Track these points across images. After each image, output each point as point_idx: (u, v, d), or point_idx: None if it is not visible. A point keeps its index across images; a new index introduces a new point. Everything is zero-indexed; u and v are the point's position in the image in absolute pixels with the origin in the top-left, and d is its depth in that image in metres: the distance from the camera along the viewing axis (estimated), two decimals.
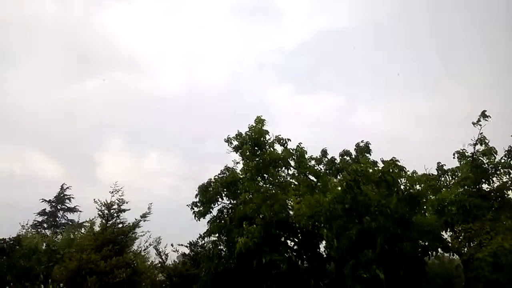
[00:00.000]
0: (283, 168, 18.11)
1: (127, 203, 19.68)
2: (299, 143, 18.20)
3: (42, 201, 36.75)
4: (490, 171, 15.84)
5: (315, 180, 17.85)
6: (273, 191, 17.09)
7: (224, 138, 18.94)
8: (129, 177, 69.61)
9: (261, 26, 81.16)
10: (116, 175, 79.11)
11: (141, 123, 68.44)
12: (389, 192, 13.91)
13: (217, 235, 18.61)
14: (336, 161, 19.75)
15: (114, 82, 68.91)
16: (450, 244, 15.62)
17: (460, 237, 15.44)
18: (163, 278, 21.61)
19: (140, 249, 20.41)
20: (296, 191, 16.96)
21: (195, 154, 64.55)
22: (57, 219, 36.97)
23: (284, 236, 17.46)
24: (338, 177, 18.48)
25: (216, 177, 19.11)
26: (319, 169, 19.00)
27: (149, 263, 21.44)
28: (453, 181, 17.08)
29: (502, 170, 15.75)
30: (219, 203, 19.02)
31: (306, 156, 18.33)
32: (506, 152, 15.86)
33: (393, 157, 14.40)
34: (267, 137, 18.41)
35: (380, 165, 15.33)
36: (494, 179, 15.91)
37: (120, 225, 19.73)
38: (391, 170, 13.85)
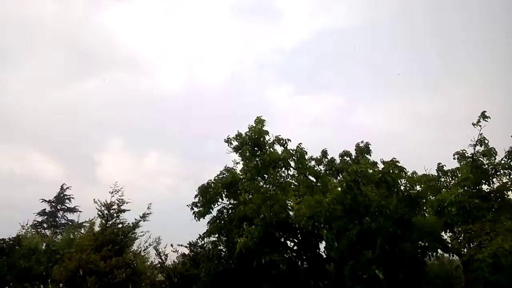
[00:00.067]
0: (283, 168, 18.10)
1: (127, 203, 19.68)
2: (299, 144, 18.21)
3: (42, 201, 36.82)
4: (490, 172, 15.82)
5: (315, 180, 17.84)
6: (273, 192, 17.08)
7: (224, 138, 18.96)
8: (129, 177, 69.64)
9: (261, 26, 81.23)
10: (116, 175, 79.16)
11: (141, 123, 68.48)
12: (389, 193, 13.91)
13: (216, 235, 18.62)
14: (336, 161, 19.76)
15: (114, 82, 68.98)
16: (450, 245, 15.62)
17: (460, 238, 15.43)
18: (162, 278, 21.58)
19: (140, 249, 20.42)
20: (296, 191, 16.96)
21: (195, 154, 64.59)
22: (57, 219, 36.98)
23: (284, 236, 17.45)
24: (338, 177, 18.49)
25: (216, 177, 19.11)
26: (319, 169, 19.00)
27: (148, 263, 21.44)
28: (453, 182, 17.06)
29: (502, 171, 15.73)
30: (219, 203, 19.03)
31: (306, 157, 18.32)
32: (506, 153, 15.85)
33: (393, 158, 14.40)
34: (267, 137, 18.42)
35: (380, 165, 15.32)
36: (494, 180, 15.89)
37: (120, 225, 19.72)
38: (391, 171, 13.84)
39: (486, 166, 15.91)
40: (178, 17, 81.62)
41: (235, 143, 18.64)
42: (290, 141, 18.38)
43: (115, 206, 19.55)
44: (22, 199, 46.95)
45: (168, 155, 70.21)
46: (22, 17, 65.13)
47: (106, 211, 19.40)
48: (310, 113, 67.29)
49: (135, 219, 19.72)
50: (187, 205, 18.76)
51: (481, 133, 15.89)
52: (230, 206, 19.00)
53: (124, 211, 19.71)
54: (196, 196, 18.77)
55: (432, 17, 72.72)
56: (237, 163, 18.96)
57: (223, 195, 18.82)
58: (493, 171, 15.80)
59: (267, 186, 17.97)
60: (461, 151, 16.72)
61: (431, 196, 16.07)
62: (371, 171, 14.28)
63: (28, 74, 64.28)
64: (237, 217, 16.92)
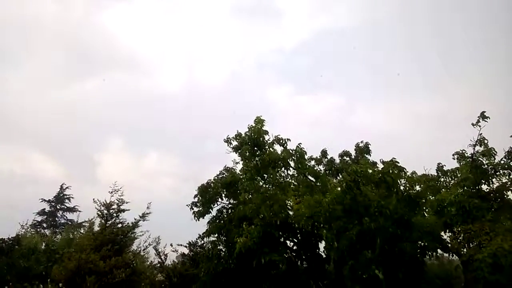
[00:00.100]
0: (283, 168, 18.10)
1: (127, 203, 19.65)
2: (298, 144, 18.20)
3: (42, 201, 36.80)
4: (489, 172, 15.84)
5: (314, 180, 17.83)
6: (273, 192, 17.07)
7: (224, 138, 18.95)
8: (129, 177, 69.60)
9: (261, 26, 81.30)
10: (116, 175, 79.25)
11: (141, 123, 68.56)
12: (388, 193, 13.91)
13: (216, 235, 18.61)
14: (335, 161, 19.77)
15: (114, 82, 69.07)
16: (449, 245, 15.62)
17: (460, 238, 15.44)
18: (162, 278, 21.57)
19: (139, 249, 20.39)
20: (295, 191, 16.96)
21: (195, 154, 64.64)
22: (56, 219, 36.95)
23: (284, 236, 17.46)
24: (338, 177, 18.49)
25: (216, 177, 19.10)
26: (318, 169, 18.99)
27: (148, 263, 21.42)
28: (452, 182, 17.07)
29: (501, 171, 15.75)
30: (218, 203, 19.03)
31: (306, 157, 18.31)
32: (506, 153, 15.86)
33: (393, 158, 14.40)
34: (267, 137, 18.40)
35: (380, 166, 15.32)
36: (494, 180, 15.92)
37: (120, 225, 19.69)
38: (390, 171, 13.84)
39: (486, 166, 15.93)
40: (178, 17, 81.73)
41: (234, 143, 18.63)
42: (290, 140, 18.39)
43: (115, 206, 19.52)
44: (22, 199, 47.05)
45: (168, 155, 70.32)
46: (22, 17, 65.26)
47: (105, 211, 19.36)
48: (310, 113, 67.42)
49: (135, 219, 19.71)
50: (187, 205, 18.79)
51: (481, 133, 15.91)
52: (229, 206, 19.00)
53: (123, 211, 19.68)
54: (195, 196, 18.78)
55: (432, 17, 72.90)
56: (236, 163, 18.99)
57: (223, 195, 18.82)
58: (492, 171, 15.82)
59: (267, 186, 17.96)
60: (460, 151, 16.74)
61: (430, 196, 16.08)
62: (370, 171, 14.27)
63: (28, 74, 64.39)
64: (237, 217, 16.91)
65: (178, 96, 73.25)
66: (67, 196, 37.73)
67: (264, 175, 17.96)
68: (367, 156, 19.46)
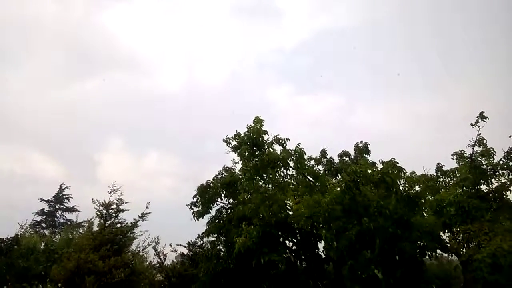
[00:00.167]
0: (282, 168, 18.08)
1: (126, 203, 19.65)
2: (298, 144, 18.18)
3: (41, 201, 36.78)
4: (488, 172, 15.86)
5: (313, 180, 17.83)
6: (272, 192, 17.06)
7: (223, 138, 18.91)
8: (129, 177, 69.60)
9: (261, 26, 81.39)
10: (116, 175, 79.29)
11: (141, 123, 68.63)
12: (388, 193, 13.91)
13: (215, 235, 18.59)
14: (335, 161, 19.77)
15: (114, 82, 69.12)
16: (448, 245, 15.63)
17: (459, 238, 15.46)
18: (161, 278, 21.56)
19: (138, 249, 20.38)
20: (295, 191, 16.96)
21: (195, 154, 64.69)
22: (55, 219, 36.93)
23: (283, 236, 17.45)
24: (337, 177, 18.49)
25: (215, 177, 19.08)
26: (318, 169, 18.98)
27: (147, 263, 21.41)
28: (451, 182, 17.09)
29: (500, 171, 15.77)
30: (218, 203, 19.00)
31: (305, 157, 18.30)
32: (505, 154, 15.88)
33: (392, 158, 14.41)
34: (266, 137, 18.39)
35: (379, 166, 15.33)
36: (493, 180, 15.94)
37: (119, 225, 19.68)
38: (390, 171, 13.84)
39: (485, 166, 15.95)
40: (178, 17, 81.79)
41: (234, 142, 18.60)
42: (289, 140, 18.36)
43: (114, 206, 19.52)
44: (22, 199, 47.06)
45: (168, 155, 70.37)
46: (22, 17, 65.26)
47: (104, 211, 19.36)
48: (310, 113, 67.55)
49: (134, 219, 19.71)
50: (186, 205, 18.75)
51: (480, 134, 15.93)
52: (229, 206, 18.98)
53: (123, 210, 19.67)
54: (195, 196, 18.75)
55: (432, 17, 73.01)
56: (236, 162, 18.96)
57: (222, 195, 18.79)
58: (491, 172, 15.83)
59: (266, 186, 17.95)
60: (459, 152, 16.76)
61: (430, 196, 16.09)
62: (370, 171, 14.28)
63: (28, 74, 64.42)
64: (236, 217, 16.90)
65: (178, 96, 73.40)
66: (66, 196, 37.76)
67: (264, 175, 17.94)
68: (366, 156, 19.47)
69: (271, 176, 17.64)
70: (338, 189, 14.42)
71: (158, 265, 21.71)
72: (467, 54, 66.40)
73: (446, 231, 15.65)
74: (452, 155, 17.02)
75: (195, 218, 18.54)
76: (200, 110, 71.02)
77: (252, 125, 18.40)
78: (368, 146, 19.86)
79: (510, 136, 15.64)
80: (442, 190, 16.72)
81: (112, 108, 69.27)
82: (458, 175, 16.66)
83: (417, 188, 15.68)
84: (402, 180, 14.88)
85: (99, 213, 19.38)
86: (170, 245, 21.50)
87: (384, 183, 13.72)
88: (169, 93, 71.79)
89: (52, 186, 43.74)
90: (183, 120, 71.87)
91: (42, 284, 19.06)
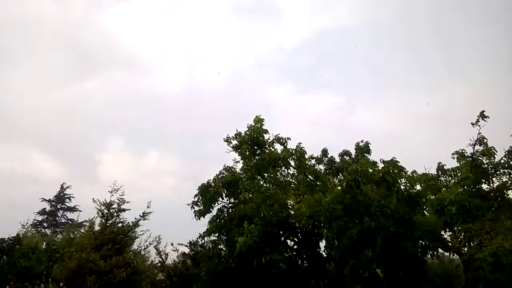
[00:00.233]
0: (283, 167, 18.08)
1: (127, 202, 19.67)
2: (298, 143, 18.18)
3: (42, 201, 36.84)
4: (489, 171, 15.85)
5: (314, 180, 17.83)
6: (273, 191, 17.07)
7: (223, 138, 18.91)
8: (129, 176, 69.68)
9: (262, 26, 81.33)
10: (117, 174, 79.34)
11: (141, 123, 68.58)
12: (389, 192, 13.91)
13: (217, 234, 18.61)
14: (336, 161, 19.78)
15: (114, 82, 69.05)
16: (450, 244, 15.63)
17: (460, 237, 15.46)
18: (163, 277, 21.59)
19: (140, 248, 20.40)
20: (296, 190, 16.96)
21: (195, 154, 64.69)
22: (57, 218, 36.99)
23: (284, 235, 17.46)
24: (338, 177, 18.49)
25: (216, 177, 19.10)
26: (319, 169, 19.00)
27: (149, 262, 21.44)
28: (453, 181, 17.09)
29: (502, 170, 15.77)
30: (219, 202, 19.02)
31: (306, 156, 18.30)
32: (506, 152, 15.88)
33: (393, 157, 14.41)
34: (267, 136, 18.38)
35: (380, 165, 15.32)
36: (494, 179, 15.94)
37: (120, 225, 19.71)
38: (391, 171, 13.84)
39: (486, 165, 15.94)
40: (178, 17, 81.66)
41: (234, 142, 18.58)
42: (290, 139, 18.35)
43: (115, 205, 19.55)
44: (23, 199, 47.09)
45: (169, 155, 70.38)
46: (22, 17, 65.21)
47: (106, 210, 19.39)
48: (310, 113, 67.43)
49: (135, 218, 19.73)
50: (188, 204, 18.77)
51: (480, 133, 15.94)
52: (230, 205, 19.01)
53: (124, 210, 19.70)
54: (196, 195, 18.78)
55: (432, 17, 72.87)
56: (237, 162, 18.97)
57: (223, 194, 18.81)
58: (492, 171, 15.83)
59: (267, 185, 17.96)
60: (460, 151, 16.76)
61: (431, 195, 16.10)
62: (371, 170, 14.27)
63: (28, 74, 64.41)
64: (237, 216, 16.92)
65: (178, 95, 73.36)
66: (68, 196, 37.80)
67: (264, 174, 17.94)
68: (367, 155, 19.47)
69: (272, 175, 17.65)
70: (339, 188, 14.43)
71: (159, 264, 21.72)
72: (467, 53, 66.28)
73: (448, 230, 15.66)
74: (452, 154, 17.02)
75: (197, 218, 18.57)
76: (200, 109, 71.08)
77: (253, 124, 18.38)
78: (369, 145, 19.88)
79: (511, 135, 15.63)
80: (443, 189, 16.73)
81: (112, 108, 69.33)
82: (459, 174, 16.66)
83: (418, 187, 15.69)
84: (403, 179, 14.88)
85: (100, 213, 19.42)
86: (172, 244, 21.52)
87: (385, 182, 13.72)
88: (169, 93, 71.83)
89: (53, 186, 43.97)
90: (183, 120, 71.88)
91: (43, 283, 19.07)
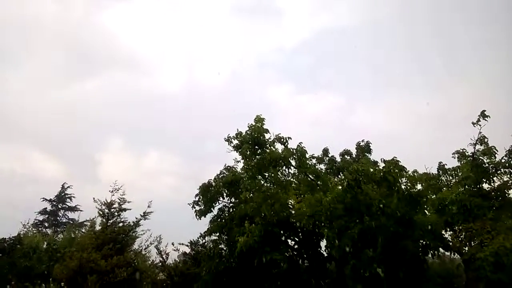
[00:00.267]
0: (284, 167, 18.08)
1: (128, 202, 19.70)
2: (299, 143, 18.17)
3: (43, 200, 36.87)
4: (490, 171, 15.84)
5: (315, 179, 17.82)
6: (274, 190, 17.06)
7: (224, 137, 18.90)
8: (129, 176, 69.75)
9: (262, 25, 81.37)
10: (117, 174, 79.35)
11: (141, 123, 68.59)
12: (389, 191, 13.89)
13: (217, 234, 18.60)
14: (336, 160, 19.77)
15: (114, 82, 69.07)
16: (450, 244, 15.62)
17: (461, 237, 15.46)
18: (164, 277, 21.60)
19: (140, 248, 20.43)
20: (296, 190, 16.95)
21: (196, 153, 64.73)
22: (58, 218, 37.01)
23: (285, 235, 17.45)
24: (339, 176, 18.48)
25: (217, 176, 19.09)
26: (320, 168, 18.99)
27: (149, 262, 21.45)
28: (453, 180, 17.08)
29: (502, 170, 15.75)
30: (220, 202, 19.02)
31: (307, 155, 18.29)
32: (507, 152, 15.86)
33: (394, 157, 14.39)
34: (267, 136, 18.37)
35: (381, 165, 15.31)
36: (495, 178, 15.92)
37: (121, 224, 19.73)
38: (391, 170, 13.83)
39: (487, 165, 15.93)
40: (178, 16, 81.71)
41: (235, 141, 18.58)
42: (291, 139, 18.34)
43: (116, 205, 19.58)
44: (23, 198, 47.12)
45: (169, 154, 70.40)
46: (22, 17, 65.29)
47: (106, 210, 19.42)
48: (310, 112, 67.48)
49: (136, 218, 19.75)
50: (188, 204, 18.76)
51: (481, 132, 15.92)
52: (231, 204, 19.00)
53: (125, 210, 19.74)
54: (197, 195, 18.77)
55: (432, 17, 72.84)
56: (237, 161, 18.96)
57: (224, 194, 18.80)
58: (493, 170, 15.81)
59: (268, 184, 17.95)
60: (460, 150, 16.74)
61: (431, 195, 16.08)
62: (372, 170, 14.26)
63: (28, 74, 64.45)
64: (238, 216, 16.91)
65: (178, 95, 73.39)
66: (69, 196, 37.84)
67: (265, 174, 17.94)
68: (368, 155, 19.47)
69: (272, 175, 17.63)
70: (340, 188, 14.42)
71: (160, 264, 21.74)
72: (467, 53, 66.39)
73: (448, 229, 15.64)
74: (453, 154, 17.01)
75: (197, 217, 18.56)
76: (201, 109, 71.13)
77: (253, 124, 18.37)
78: (370, 145, 19.89)
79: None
80: (444, 188, 16.72)
81: (112, 107, 69.38)
82: (460, 174, 16.64)
83: (419, 186, 15.68)
84: (404, 178, 14.87)
85: (101, 212, 19.45)
86: (172, 244, 21.52)
87: (386, 181, 13.70)
88: (169, 93, 71.88)
89: (53, 186, 44.00)
90: (184, 120, 71.84)
91: (44, 283, 19.11)
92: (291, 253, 17.45)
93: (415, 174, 16.49)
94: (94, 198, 19.55)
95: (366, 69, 76.81)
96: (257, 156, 17.68)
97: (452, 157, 16.98)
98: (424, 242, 14.78)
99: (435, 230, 14.32)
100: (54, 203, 37.28)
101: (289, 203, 16.64)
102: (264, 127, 18.30)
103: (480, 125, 15.82)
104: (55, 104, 66.31)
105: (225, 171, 19.30)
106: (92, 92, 65.48)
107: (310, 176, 17.54)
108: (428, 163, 17.76)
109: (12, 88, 63.51)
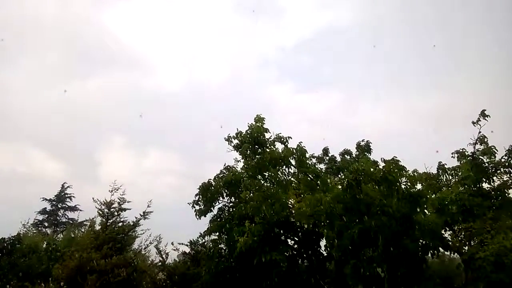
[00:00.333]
0: (284, 167, 18.09)
1: (128, 202, 19.67)
2: (299, 142, 18.19)
3: (43, 200, 36.84)
4: (490, 171, 15.86)
5: (314, 179, 17.83)
6: (274, 190, 17.06)
7: (224, 137, 18.93)
8: (130, 175, 69.49)
9: (262, 24, 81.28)
10: (117, 174, 79.17)
11: (142, 122, 68.62)
12: (389, 191, 13.88)
13: (217, 233, 18.62)
14: (336, 159, 19.79)
15: (114, 81, 69.05)
16: (450, 243, 15.62)
17: (461, 236, 15.46)
18: (163, 277, 21.59)
19: (140, 247, 20.41)
20: (296, 190, 16.95)
21: (196, 153, 64.71)
22: (57, 218, 36.99)
23: (285, 235, 17.46)
24: (339, 175, 18.49)
25: (217, 176, 19.10)
26: (320, 168, 19.02)
27: (149, 262, 21.44)
28: (453, 180, 17.09)
29: (502, 169, 15.77)
30: (220, 201, 19.03)
31: (307, 155, 18.31)
32: (507, 151, 15.88)
33: (394, 157, 14.40)
34: (267, 135, 18.40)
35: (381, 164, 15.31)
36: (495, 178, 15.94)
37: (120, 224, 19.72)
38: (392, 170, 13.83)
39: (487, 164, 15.94)
40: (178, 15, 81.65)
41: (235, 141, 18.61)
42: (291, 138, 18.38)
43: (116, 205, 19.55)
44: (23, 198, 47.03)
45: (169, 154, 70.27)
46: (21, 16, 65.23)
47: (106, 210, 19.40)
48: (311, 111, 67.42)
49: (136, 218, 19.74)
50: (188, 203, 18.77)
51: (480, 132, 15.94)
52: (231, 204, 19.01)
53: (124, 209, 19.71)
54: (197, 194, 18.78)
55: (434, 16, 72.75)
56: (237, 161, 18.98)
57: (224, 194, 18.82)
58: (493, 170, 15.83)
59: (268, 184, 17.96)
60: (460, 150, 16.75)
61: (431, 195, 16.08)
62: (372, 169, 14.26)
63: (28, 73, 64.42)
64: (238, 216, 16.92)
65: (178, 94, 73.38)
66: (68, 195, 37.77)
67: (265, 173, 17.96)
68: (368, 154, 19.49)
69: (272, 174, 17.65)
70: (340, 187, 14.42)
71: (160, 264, 21.72)
72: (467, 53, 66.32)
73: (448, 229, 15.65)
74: (452, 153, 17.02)
75: (197, 217, 18.58)
76: (201, 108, 71.16)
77: (253, 123, 18.41)
78: (370, 144, 19.91)
79: None
80: (444, 188, 16.72)
81: (112, 107, 69.37)
82: (459, 173, 16.65)
83: (419, 186, 15.69)
84: (404, 178, 14.87)
85: (100, 212, 19.43)
86: (172, 243, 21.48)
87: (386, 181, 13.70)
88: (170, 92, 71.93)
89: (53, 185, 43.86)
90: (184, 119, 71.80)
91: (44, 283, 19.10)
92: (290, 252, 17.46)
93: (415, 173, 16.50)
94: (93, 198, 19.54)
95: (367, 68, 76.80)
96: (257, 156, 17.72)
97: (452, 157, 17.01)
98: (423, 242, 14.78)
99: (436, 229, 14.33)
100: (54, 202, 37.27)
101: (289, 202, 16.64)
102: (264, 126, 18.35)
103: (480, 125, 15.85)
104: (55, 103, 66.27)
105: (225, 171, 19.32)
106: (92, 91, 65.53)
107: (310, 175, 17.55)
108: (429, 162, 17.80)
109: (12, 87, 63.53)
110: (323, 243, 17.06)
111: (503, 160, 15.82)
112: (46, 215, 36.59)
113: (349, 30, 75.55)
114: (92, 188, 51.06)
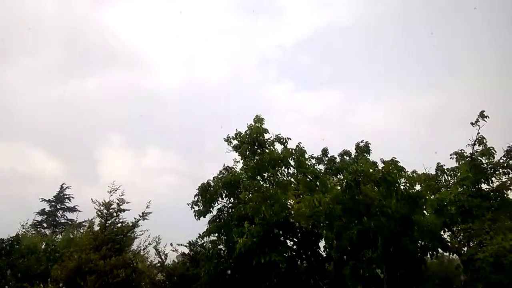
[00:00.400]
0: (283, 167, 18.08)
1: (127, 203, 19.64)
2: (298, 143, 18.20)
3: (42, 201, 36.78)
4: (489, 171, 15.88)
5: (314, 180, 17.83)
6: (273, 191, 17.06)
7: (223, 137, 18.92)
8: (129, 175, 69.42)
9: (262, 24, 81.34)
10: (116, 174, 79.10)
11: (141, 121, 68.58)
12: (388, 192, 13.90)
13: (216, 234, 18.59)
14: (336, 160, 19.79)
15: (114, 79, 69.06)
16: (449, 244, 15.63)
17: (460, 237, 15.47)
18: (162, 278, 21.55)
19: (139, 248, 20.37)
20: (295, 190, 16.95)
21: (196, 153, 64.76)
22: (56, 218, 36.94)
23: (284, 235, 17.45)
24: (339, 176, 18.50)
25: (216, 177, 19.08)
26: (319, 168, 19.02)
27: (148, 262, 21.41)
28: (452, 181, 17.11)
29: (501, 170, 15.80)
30: (219, 202, 19.00)
31: (306, 156, 18.30)
32: (505, 152, 15.91)
33: (393, 157, 14.41)
34: (267, 136, 18.40)
35: (380, 165, 15.33)
36: (493, 179, 15.97)
37: (119, 225, 19.69)
38: (391, 170, 13.84)
39: (485, 165, 15.97)
40: (178, 15, 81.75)
41: (235, 142, 18.60)
42: (290, 139, 18.38)
43: (114, 206, 19.52)
44: (22, 198, 47.03)
45: (168, 154, 70.30)
46: (22, 15, 65.20)
47: (105, 211, 19.36)
48: (310, 111, 67.57)
49: (135, 218, 19.71)
50: (188, 204, 18.74)
51: (479, 133, 15.98)
52: (230, 205, 18.98)
53: (123, 210, 19.67)
54: (196, 195, 18.75)
55: (433, 16, 72.86)
56: (237, 162, 18.96)
57: (223, 194, 18.77)
58: (492, 170, 15.86)
59: (267, 185, 17.95)
60: (459, 151, 16.78)
61: (430, 195, 16.10)
62: (371, 170, 14.28)
63: (28, 72, 64.41)
64: (237, 216, 16.90)
65: (178, 94, 73.45)
66: (67, 196, 37.71)
67: (264, 174, 17.95)
68: (367, 155, 19.49)
69: (272, 175, 17.65)
70: (339, 188, 14.42)
71: (159, 264, 21.69)
72: (467, 53, 66.49)
73: (447, 230, 15.66)
74: (451, 154, 17.05)
75: (197, 217, 18.55)
76: (200, 108, 71.20)
77: (253, 124, 18.40)
78: (369, 145, 19.92)
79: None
80: (443, 189, 16.75)
81: (112, 106, 69.41)
82: (458, 174, 16.68)
83: (418, 187, 15.70)
84: (403, 179, 14.88)
85: (99, 213, 19.39)
86: (171, 244, 21.42)
87: (386, 182, 13.71)
88: (169, 91, 71.99)
89: (52, 185, 43.88)
90: (183, 119, 71.87)
91: (43, 284, 19.06)
92: (290, 253, 17.44)
93: (414, 174, 16.52)
94: (92, 199, 19.50)
95: (367, 67, 76.93)
96: (256, 157, 17.71)
97: (451, 158, 17.04)
98: (423, 243, 14.79)
99: (435, 230, 14.34)
100: (53, 203, 37.22)
101: (288, 203, 16.64)
102: (264, 127, 18.35)
103: (479, 126, 15.89)
104: (55, 102, 66.29)
105: (224, 171, 19.29)
106: (92, 90, 65.63)
107: (309, 176, 17.55)
108: (428, 163, 17.83)
109: (12, 86, 63.52)
110: (322, 244, 17.09)
111: (501, 161, 15.85)
112: (45, 216, 36.54)
113: (348, 30, 75.68)
114: (91, 188, 51.07)
